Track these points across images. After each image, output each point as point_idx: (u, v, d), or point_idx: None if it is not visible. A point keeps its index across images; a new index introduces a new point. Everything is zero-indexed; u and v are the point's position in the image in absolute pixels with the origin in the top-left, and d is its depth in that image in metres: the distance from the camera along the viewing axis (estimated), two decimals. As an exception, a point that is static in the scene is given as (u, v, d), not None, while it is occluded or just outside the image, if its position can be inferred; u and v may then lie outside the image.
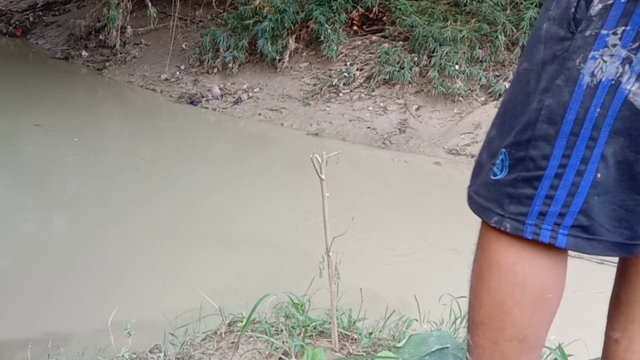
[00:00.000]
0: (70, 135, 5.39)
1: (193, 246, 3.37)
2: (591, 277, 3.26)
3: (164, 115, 6.68)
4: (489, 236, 0.83)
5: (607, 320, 1.03)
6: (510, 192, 0.78)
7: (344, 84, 6.26)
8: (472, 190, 0.86)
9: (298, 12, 6.54)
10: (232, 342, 1.74)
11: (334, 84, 6.26)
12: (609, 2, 0.69)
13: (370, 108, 5.94)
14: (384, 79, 6.08)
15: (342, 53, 6.63)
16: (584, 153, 0.73)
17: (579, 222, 0.75)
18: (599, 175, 0.73)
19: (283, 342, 1.67)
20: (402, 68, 6.01)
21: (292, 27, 6.59)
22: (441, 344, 1.45)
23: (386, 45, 6.40)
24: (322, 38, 6.45)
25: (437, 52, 5.88)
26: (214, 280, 2.89)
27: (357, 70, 6.41)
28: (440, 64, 5.76)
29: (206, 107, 6.55)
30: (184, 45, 7.81)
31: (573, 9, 0.72)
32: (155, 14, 7.76)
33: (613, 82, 0.69)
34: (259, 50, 6.66)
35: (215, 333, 1.80)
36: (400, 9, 6.34)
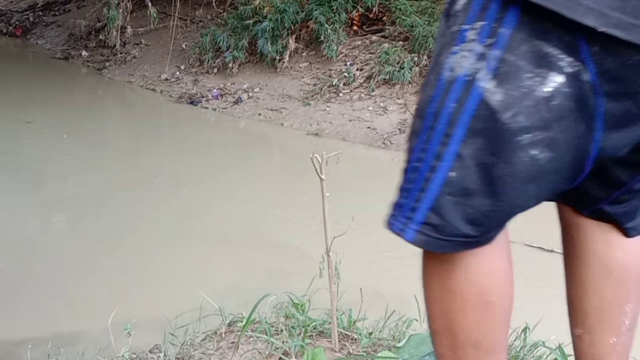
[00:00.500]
0: (69, 135, 5.39)
1: (193, 246, 3.36)
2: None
3: (164, 115, 6.68)
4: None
5: (568, 315, 1.03)
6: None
7: (344, 84, 6.26)
8: None
9: (298, 12, 6.54)
10: (232, 342, 1.74)
11: (334, 84, 6.26)
12: None
13: (370, 108, 5.94)
14: (384, 79, 6.08)
15: (342, 53, 6.63)
16: (437, 149, 0.71)
17: (430, 219, 0.73)
18: (453, 174, 0.70)
19: (283, 342, 1.67)
20: (402, 68, 6.01)
21: (292, 27, 6.59)
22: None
23: (386, 45, 6.40)
24: (322, 38, 6.45)
25: (437, 52, 5.88)
26: (214, 280, 2.89)
27: (357, 70, 6.41)
28: (440, 64, 5.75)
29: (206, 107, 6.55)
30: (184, 45, 7.81)
31: (448, 5, 0.72)
32: (155, 14, 7.76)
33: (468, 77, 0.68)
34: (259, 50, 6.66)
35: (215, 333, 1.80)
36: (400, 9, 6.34)
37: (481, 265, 0.78)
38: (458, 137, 0.69)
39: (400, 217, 0.76)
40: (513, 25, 0.66)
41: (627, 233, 0.90)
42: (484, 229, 0.74)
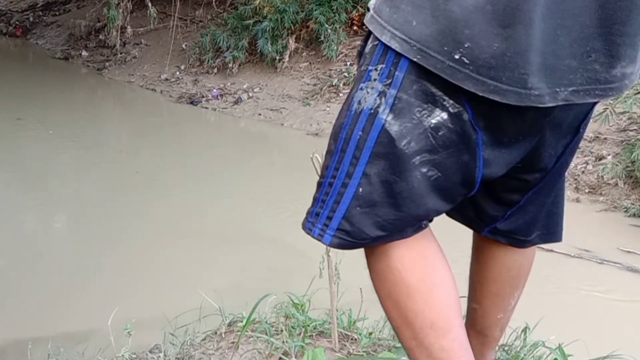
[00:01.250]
0: (68, 134, 5.39)
1: (193, 246, 3.37)
2: (591, 277, 3.26)
3: (164, 115, 6.68)
4: (366, 252, 0.95)
5: (468, 292, 1.22)
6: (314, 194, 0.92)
7: (344, 84, 6.26)
8: None
9: (298, 12, 6.54)
10: (232, 342, 1.74)
11: (334, 84, 6.26)
12: (375, 43, 0.82)
13: (370, 108, 5.94)
14: (384, 79, 6.08)
15: (342, 53, 6.63)
16: (347, 169, 0.85)
17: (343, 226, 0.87)
18: (360, 189, 0.84)
19: (283, 342, 1.67)
20: (402, 68, 6.01)
21: (292, 27, 6.59)
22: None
23: (386, 45, 6.39)
24: (322, 38, 6.45)
25: (437, 52, 5.88)
26: (214, 280, 2.89)
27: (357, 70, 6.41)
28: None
29: (206, 107, 6.55)
30: (184, 45, 7.81)
31: (361, 47, 0.87)
32: (155, 14, 7.76)
33: (372, 111, 0.82)
34: (259, 50, 6.66)
35: (215, 333, 1.80)
36: (400, 9, 6.34)
37: (412, 254, 0.90)
38: (364, 159, 0.84)
39: (318, 224, 0.90)
40: (405, 70, 0.79)
41: (522, 246, 1.09)
42: (390, 232, 0.87)
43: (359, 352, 1.67)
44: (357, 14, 6.78)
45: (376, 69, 0.82)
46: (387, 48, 0.80)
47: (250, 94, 6.63)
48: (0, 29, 10.10)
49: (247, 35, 6.80)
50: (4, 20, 10.30)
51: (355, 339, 1.74)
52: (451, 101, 0.79)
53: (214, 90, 6.77)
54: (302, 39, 6.78)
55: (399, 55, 0.79)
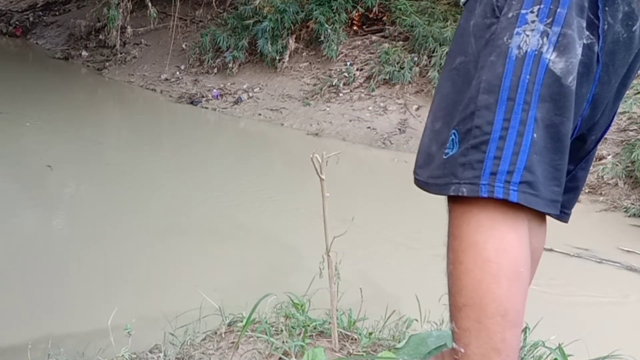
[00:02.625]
0: (68, 135, 5.39)
1: (193, 246, 3.37)
2: (590, 276, 3.26)
3: (164, 115, 6.68)
4: (459, 221, 0.90)
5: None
6: (463, 162, 0.86)
7: (344, 84, 6.26)
8: (424, 177, 0.94)
9: (298, 12, 6.54)
10: (232, 342, 1.74)
11: (334, 84, 6.26)
12: None
13: (370, 108, 5.94)
14: (384, 79, 6.09)
15: (342, 53, 6.63)
16: (521, 116, 0.82)
17: (525, 178, 0.83)
18: (535, 135, 0.83)
19: (283, 342, 1.67)
20: (402, 68, 6.01)
21: (292, 27, 6.59)
22: (441, 344, 1.45)
23: (386, 45, 6.40)
24: (322, 38, 6.45)
25: (437, 52, 5.88)
26: (214, 280, 2.89)
27: (357, 70, 6.41)
28: (440, 64, 5.75)
29: (206, 107, 6.55)
30: (184, 45, 7.81)
31: (495, 0, 0.85)
32: (155, 14, 7.76)
33: (536, 52, 0.81)
34: (259, 50, 6.66)
35: (215, 333, 1.80)
36: (400, 9, 6.34)
37: (514, 236, 0.86)
38: (534, 104, 0.82)
39: (498, 183, 0.84)
40: (567, 6, 0.81)
41: (565, 220, 1.08)
42: (561, 184, 0.86)
43: (359, 352, 1.67)
44: (357, 14, 6.78)
45: (532, 11, 0.82)
46: None
47: (250, 94, 6.63)
48: (0, 29, 10.10)
49: (247, 35, 6.80)
50: (4, 20, 10.30)
51: (355, 339, 1.74)
52: (587, 32, 0.82)
53: (214, 90, 6.77)
54: (302, 39, 6.78)
55: None
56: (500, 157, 0.84)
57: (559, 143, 0.84)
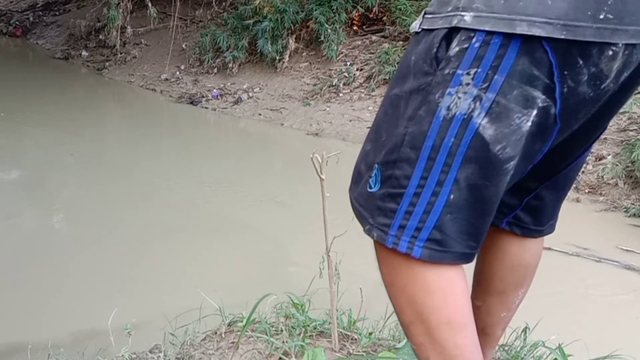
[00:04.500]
0: (68, 135, 5.39)
1: (193, 246, 3.37)
2: (589, 276, 3.26)
3: (164, 115, 6.68)
4: (376, 248, 0.92)
5: (472, 289, 1.19)
6: (379, 205, 0.87)
7: (344, 84, 6.27)
8: (353, 197, 0.94)
9: (298, 12, 6.54)
10: (232, 342, 1.74)
11: (334, 84, 6.26)
12: (464, 46, 0.78)
13: (370, 108, 5.94)
14: (384, 79, 6.08)
15: (342, 53, 6.63)
16: (439, 177, 0.82)
17: (433, 236, 0.84)
18: (452, 196, 0.82)
19: (283, 342, 1.67)
20: (402, 68, 6.01)
21: (292, 27, 6.59)
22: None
23: (386, 45, 6.40)
24: (322, 38, 6.45)
25: (437, 52, 5.88)
26: (214, 280, 2.89)
27: (357, 70, 6.41)
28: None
29: (206, 107, 6.55)
30: (184, 45, 7.81)
31: (435, 49, 0.82)
32: (155, 14, 7.76)
33: (465, 116, 0.79)
34: (259, 50, 6.66)
35: (215, 333, 1.80)
36: (400, 9, 6.34)
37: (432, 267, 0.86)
38: (456, 165, 0.81)
39: (404, 237, 0.85)
40: (506, 74, 0.77)
41: (534, 236, 1.11)
42: (479, 240, 0.86)
43: (359, 352, 1.67)
44: (357, 14, 6.78)
45: (468, 73, 0.78)
46: (483, 49, 0.77)
47: (250, 94, 6.63)
48: (0, 29, 10.10)
49: (247, 35, 6.80)
50: (4, 20, 10.30)
51: (355, 339, 1.74)
52: (543, 96, 0.78)
53: (214, 90, 6.77)
54: (302, 39, 6.78)
55: (499, 57, 0.76)
56: (412, 212, 0.84)
57: (481, 204, 0.83)
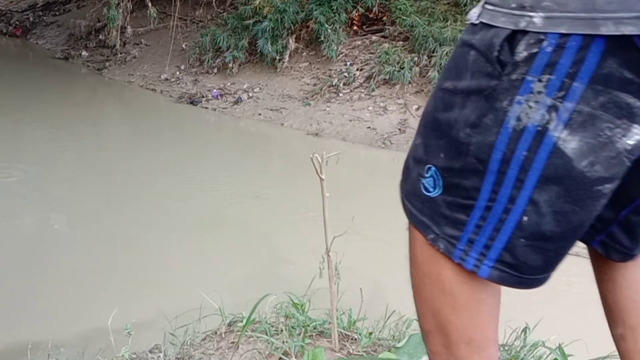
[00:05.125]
0: (68, 135, 5.39)
1: (193, 246, 3.37)
2: (591, 277, 3.26)
3: (164, 115, 6.68)
4: (415, 248, 0.85)
5: (606, 319, 1.04)
6: (446, 214, 0.78)
7: (344, 84, 6.26)
8: (404, 194, 0.86)
9: (298, 12, 6.54)
10: (232, 342, 1.74)
11: (334, 84, 6.26)
12: (534, 51, 0.68)
13: (370, 108, 5.94)
14: (384, 79, 6.08)
15: (342, 53, 6.63)
16: (510, 192, 0.72)
17: (504, 257, 0.75)
18: (526, 218, 0.72)
19: (283, 342, 1.67)
20: (402, 68, 6.01)
21: (292, 27, 6.59)
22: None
23: (386, 45, 6.40)
24: (322, 38, 6.45)
25: (437, 52, 5.88)
26: (214, 280, 2.89)
27: (357, 70, 6.41)
28: (440, 64, 5.76)
29: (206, 107, 6.55)
30: (184, 45, 7.81)
31: (496, 52, 0.71)
32: (155, 14, 7.76)
33: (539, 128, 0.69)
34: (259, 50, 6.66)
35: (215, 333, 1.80)
36: (400, 9, 6.34)
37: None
38: (531, 183, 0.71)
39: (472, 254, 0.78)
40: (587, 80, 0.66)
41: (626, 260, 0.95)
42: (555, 268, 0.77)
43: (359, 352, 1.67)
44: (357, 14, 6.78)
45: (540, 80, 0.68)
46: (557, 54, 0.67)
47: (250, 94, 6.63)
48: (0, 29, 10.10)
49: (247, 35, 6.80)
50: (4, 20, 10.30)
51: (355, 339, 1.74)
52: None
53: (214, 90, 6.77)
54: (302, 39, 6.78)
55: (578, 62, 0.66)
56: (481, 227, 0.76)
57: (571, 232, 0.73)
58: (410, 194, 0.84)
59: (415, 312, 0.91)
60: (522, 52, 0.69)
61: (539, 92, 0.68)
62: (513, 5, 0.70)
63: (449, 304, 0.82)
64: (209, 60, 7.08)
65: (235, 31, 6.97)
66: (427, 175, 0.80)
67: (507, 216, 0.73)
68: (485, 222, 0.75)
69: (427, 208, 0.81)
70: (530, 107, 0.68)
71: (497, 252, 0.75)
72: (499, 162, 0.72)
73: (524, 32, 0.68)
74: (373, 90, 6.08)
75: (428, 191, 0.80)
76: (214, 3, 7.95)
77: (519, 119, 0.69)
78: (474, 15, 0.76)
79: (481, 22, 0.74)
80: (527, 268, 0.75)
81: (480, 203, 0.75)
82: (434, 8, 6.34)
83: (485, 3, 0.74)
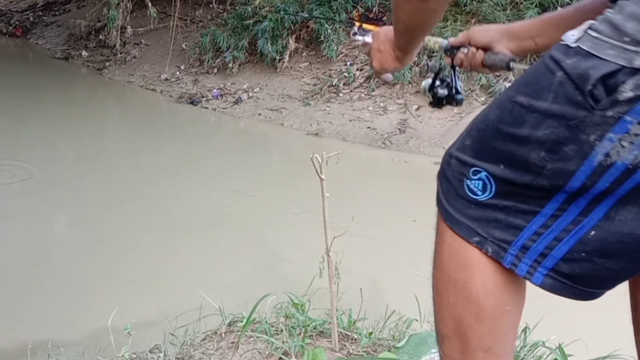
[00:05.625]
0: (68, 135, 5.39)
1: (193, 246, 3.37)
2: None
3: (163, 115, 6.68)
4: (443, 249, 0.83)
5: (632, 324, 1.02)
6: (499, 218, 0.76)
7: (344, 84, 6.26)
8: (442, 197, 0.84)
9: (298, 12, 6.53)
10: (232, 342, 1.74)
11: (334, 84, 6.26)
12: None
13: (370, 108, 5.94)
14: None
15: (342, 53, 6.63)
16: (585, 206, 0.71)
17: (560, 267, 0.74)
18: (593, 233, 0.71)
19: (283, 342, 1.67)
20: (402, 68, 6.01)
21: (292, 27, 6.59)
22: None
23: (386, 45, 6.39)
24: (322, 38, 6.44)
25: (437, 52, 5.88)
26: (214, 280, 2.89)
27: (357, 70, 6.40)
28: (440, 64, 5.75)
29: (206, 107, 6.54)
30: (184, 45, 7.81)
31: (591, 86, 0.67)
32: (155, 14, 7.76)
33: (630, 166, 0.66)
34: (259, 50, 6.65)
35: (215, 333, 1.80)
36: (400, 9, 6.33)
37: (499, 277, 0.79)
38: (608, 202, 0.69)
39: (526, 259, 0.76)
40: None
41: None
42: (611, 287, 0.76)
43: (359, 352, 1.67)
44: (357, 14, 6.77)
45: (639, 122, 0.64)
46: None
47: (250, 94, 6.63)
48: (0, 29, 10.10)
49: (247, 35, 6.80)
50: (4, 20, 10.30)
51: (355, 339, 1.74)
52: None
53: (214, 90, 6.77)
54: (302, 39, 6.78)
55: None
56: (542, 234, 0.74)
57: (631, 255, 0.71)
58: (450, 195, 0.82)
59: (433, 314, 0.89)
60: (627, 91, 0.65)
61: (636, 135, 0.65)
62: (627, 40, 0.65)
63: (473, 312, 0.80)
64: (209, 60, 7.07)
65: (235, 31, 6.96)
66: (474, 177, 0.78)
67: (574, 227, 0.72)
68: (548, 230, 0.73)
69: (473, 210, 0.78)
70: (623, 146, 0.66)
71: (554, 261, 0.74)
72: (577, 188, 0.70)
73: (635, 71, 0.64)
74: (373, 90, 6.08)
75: (475, 194, 0.78)
76: (214, 3, 7.95)
77: (607, 155, 0.67)
78: (571, 37, 0.71)
79: (579, 47, 0.69)
80: (582, 280, 0.74)
81: (547, 211, 0.73)
82: (434, 8, 6.34)
83: (590, 29, 0.69)
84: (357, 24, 1.34)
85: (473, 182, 0.78)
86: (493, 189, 0.76)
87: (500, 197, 0.76)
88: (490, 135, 0.77)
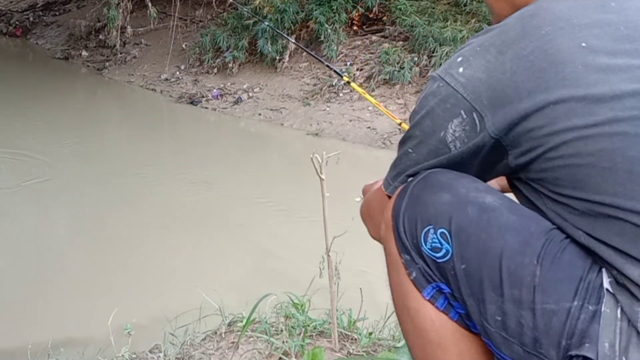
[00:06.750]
0: (68, 135, 5.39)
1: (193, 246, 3.37)
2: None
3: (163, 115, 6.68)
4: (394, 277, 0.83)
5: None
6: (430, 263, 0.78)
7: (344, 84, 6.26)
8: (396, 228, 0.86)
9: (298, 12, 6.54)
10: (232, 342, 1.74)
11: (334, 84, 6.26)
12: None
13: (370, 108, 5.93)
14: (384, 79, 6.08)
15: (342, 53, 6.62)
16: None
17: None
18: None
19: (283, 342, 1.67)
20: (402, 68, 6.01)
21: (292, 27, 6.58)
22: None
23: (386, 45, 6.39)
24: (322, 38, 6.44)
25: (437, 52, 5.88)
26: (214, 280, 2.89)
27: (357, 70, 6.40)
28: (440, 64, 5.74)
29: (206, 107, 6.54)
30: (184, 45, 7.81)
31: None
32: (155, 14, 7.75)
33: None
34: (259, 50, 6.65)
35: (215, 333, 1.80)
36: (400, 9, 6.34)
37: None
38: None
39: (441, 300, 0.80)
40: None
41: None
42: None
43: (359, 352, 1.67)
44: (357, 14, 6.78)
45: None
46: None
47: (250, 94, 6.62)
48: (0, 29, 10.09)
49: (247, 35, 6.80)
50: (4, 20, 10.30)
51: (355, 339, 1.74)
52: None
53: (214, 90, 6.77)
54: (302, 39, 6.78)
55: None
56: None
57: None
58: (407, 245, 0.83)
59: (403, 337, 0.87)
60: None
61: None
62: None
63: (433, 340, 0.78)
64: (209, 60, 7.07)
65: (235, 31, 6.96)
66: (431, 235, 0.78)
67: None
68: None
69: (425, 262, 0.79)
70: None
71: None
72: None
73: None
74: (373, 90, 6.08)
75: (434, 253, 0.78)
76: (214, 3, 7.94)
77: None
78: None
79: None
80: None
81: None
82: (434, 8, 6.34)
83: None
84: (345, 78, 1.31)
85: (428, 241, 0.80)
86: (451, 251, 0.76)
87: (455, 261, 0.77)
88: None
